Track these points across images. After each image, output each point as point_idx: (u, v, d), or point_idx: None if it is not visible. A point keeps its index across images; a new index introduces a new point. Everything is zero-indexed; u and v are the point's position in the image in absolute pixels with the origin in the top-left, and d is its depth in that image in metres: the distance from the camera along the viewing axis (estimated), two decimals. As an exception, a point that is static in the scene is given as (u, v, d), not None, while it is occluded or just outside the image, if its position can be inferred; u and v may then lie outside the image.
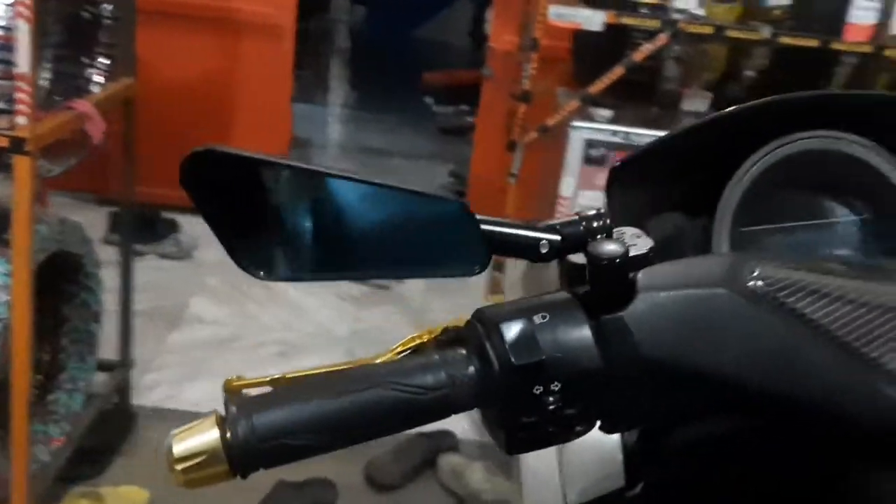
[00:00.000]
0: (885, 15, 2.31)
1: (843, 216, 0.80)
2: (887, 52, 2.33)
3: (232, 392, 0.64)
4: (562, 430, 0.51)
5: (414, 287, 3.53)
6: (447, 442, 2.40)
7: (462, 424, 2.47)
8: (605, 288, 0.51)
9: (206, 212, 0.47)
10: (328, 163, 5.13)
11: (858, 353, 0.47)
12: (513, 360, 0.49)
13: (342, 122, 5.64)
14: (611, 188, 0.79)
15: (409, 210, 0.52)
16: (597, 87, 2.34)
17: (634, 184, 0.81)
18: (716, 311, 0.51)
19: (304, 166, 0.48)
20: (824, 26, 2.31)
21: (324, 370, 0.63)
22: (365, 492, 2.26)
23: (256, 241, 0.50)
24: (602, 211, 0.54)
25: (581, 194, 2.39)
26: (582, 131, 2.34)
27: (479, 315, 0.52)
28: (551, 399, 0.49)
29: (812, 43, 2.32)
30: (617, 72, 2.33)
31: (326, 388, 0.49)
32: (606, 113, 2.39)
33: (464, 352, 0.51)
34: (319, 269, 0.53)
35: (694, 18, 2.31)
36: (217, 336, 2.93)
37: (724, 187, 0.80)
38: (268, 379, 0.63)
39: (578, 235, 0.54)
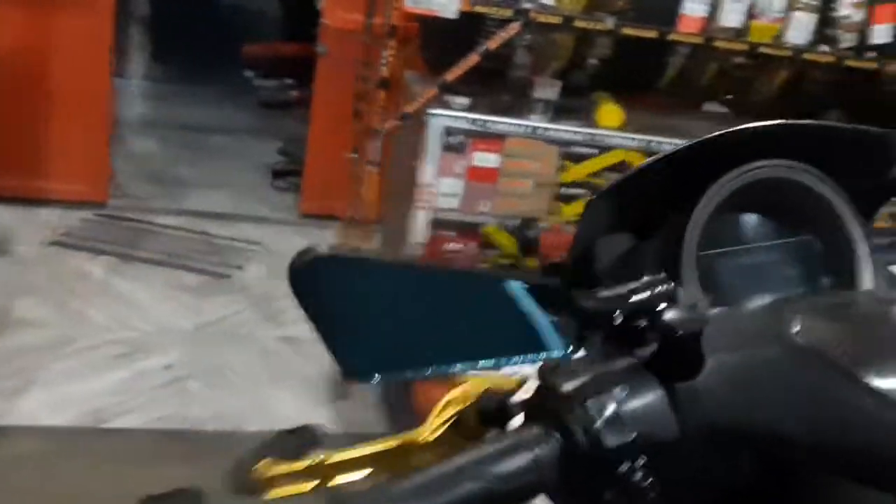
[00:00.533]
0: (713, 8, 2.47)
1: (790, 240, 0.85)
2: (716, 43, 2.50)
3: (263, 483, 0.59)
4: (638, 501, 0.51)
5: (255, 274, 3.42)
6: (311, 436, 2.35)
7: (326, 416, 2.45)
8: (680, 356, 0.51)
9: (314, 317, 0.43)
10: (152, 143, 4.77)
11: (887, 398, 0.51)
12: (605, 442, 0.48)
13: (156, 97, 5.30)
14: (585, 216, 0.81)
15: (498, 294, 0.50)
16: (453, 74, 2.35)
17: (600, 209, 0.83)
18: (772, 371, 0.53)
19: (405, 263, 0.45)
20: (662, 18, 2.44)
21: (370, 451, 0.60)
22: (232, 497, 2.18)
23: (355, 343, 0.46)
24: (664, 276, 0.55)
25: (441, 181, 2.40)
26: (440, 119, 2.34)
27: (553, 389, 0.51)
28: (638, 475, 0.49)
29: (650, 34, 2.44)
30: (472, 59, 2.34)
31: (419, 489, 0.47)
32: (463, 100, 2.40)
33: (539, 430, 0.50)
34: (415, 363, 0.50)
35: (543, 8, 2.36)
36: (48, 340, 2.70)
37: (669, 213, 0.84)
38: (304, 466, 0.59)
39: (646, 302, 0.54)
